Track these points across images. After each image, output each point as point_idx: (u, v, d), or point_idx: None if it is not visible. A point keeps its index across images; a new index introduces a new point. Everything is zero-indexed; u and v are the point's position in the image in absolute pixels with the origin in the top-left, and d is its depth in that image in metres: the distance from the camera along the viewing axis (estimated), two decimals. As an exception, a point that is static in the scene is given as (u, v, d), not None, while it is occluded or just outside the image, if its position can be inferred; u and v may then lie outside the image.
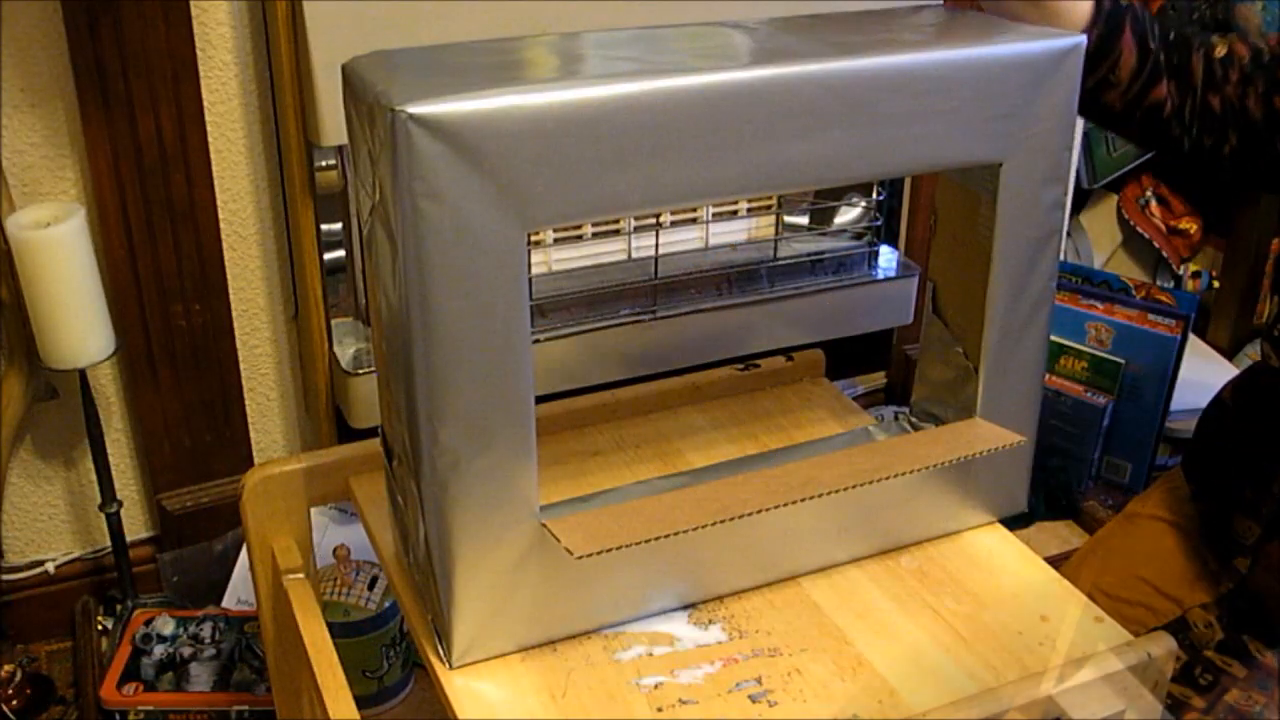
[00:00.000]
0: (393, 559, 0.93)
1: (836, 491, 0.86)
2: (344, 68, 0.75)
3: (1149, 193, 2.28)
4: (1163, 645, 0.83)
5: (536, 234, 1.51)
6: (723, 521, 0.82)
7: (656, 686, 0.81)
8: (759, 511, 0.83)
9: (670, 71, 0.72)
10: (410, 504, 0.81)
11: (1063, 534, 1.80)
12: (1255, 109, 0.96)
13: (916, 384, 0.99)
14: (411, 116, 0.66)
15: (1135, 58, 0.95)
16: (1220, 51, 0.97)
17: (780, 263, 1.63)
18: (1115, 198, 2.30)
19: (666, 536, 0.80)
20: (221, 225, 1.48)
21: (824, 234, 1.72)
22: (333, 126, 1.32)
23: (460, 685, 0.81)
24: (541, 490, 0.80)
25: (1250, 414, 1.11)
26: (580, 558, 0.77)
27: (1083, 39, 0.83)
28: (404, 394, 0.75)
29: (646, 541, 0.80)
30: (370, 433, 1.00)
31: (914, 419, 1.00)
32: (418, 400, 0.73)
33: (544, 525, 0.79)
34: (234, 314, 1.53)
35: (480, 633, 0.81)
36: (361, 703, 0.87)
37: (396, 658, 1.45)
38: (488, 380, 0.74)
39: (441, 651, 0.82)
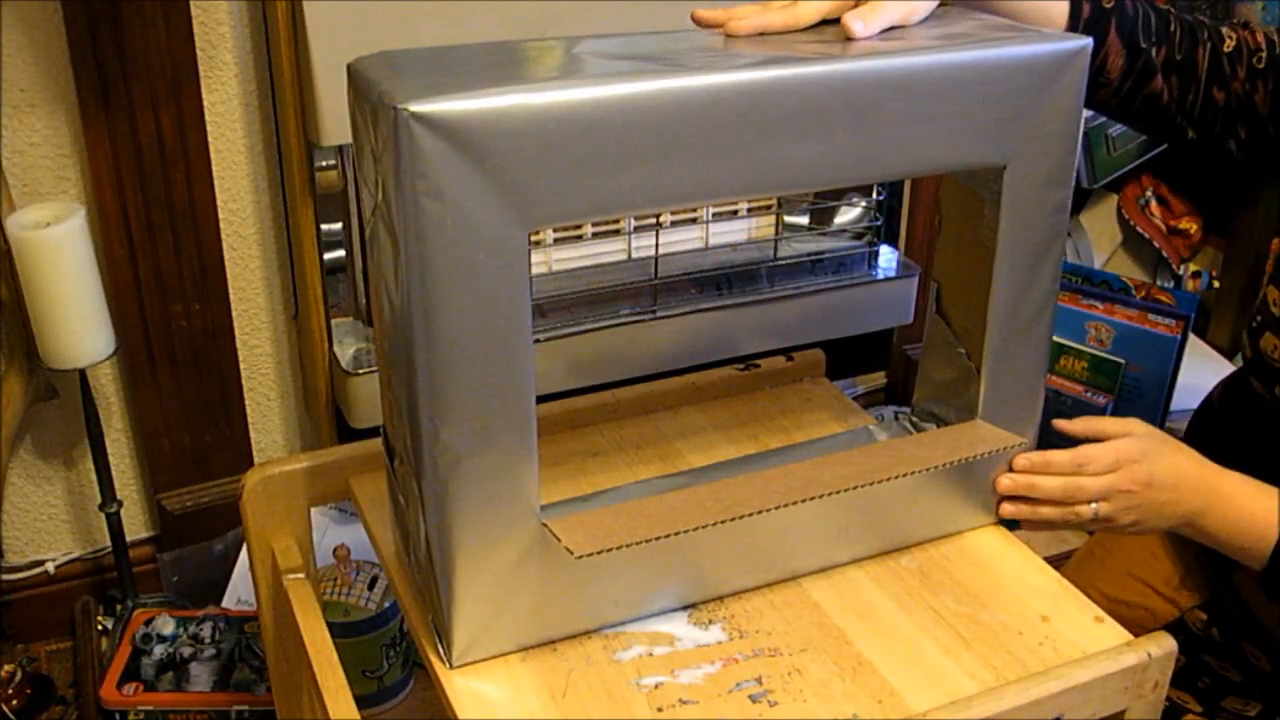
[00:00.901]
0: (393, 559, 0.93)
1: (837, 492, 0.86)
2: (349, 67, 0.75)
3: (1149, 193, 2.28)
4: (1163, 645, 0.83)
5: (537, 234, 1.51)
6: (723, 522, 0.82)
7: (657, 686, 0.81)
8: (759, 512, 0.83)
9: (672, 72, 0.72)
10: (411, 503, 0.81)
11: (1063, 534, 1.80)
12: (1263, 104, 0.96)
13: (919, 384, 0.99)
14: (414, 115, 0.66)
15: (1124, 59, 0.95)
16: (1229, 46, 0.96)
17: (780, 263, 1.63)
18: (1115, 198, 2.30)
19: (667, 536, 0.80)
20: (221, 225, 1.48)
21: (824, 234, 1.72)
22: (333, 126, 1.32)
23: (460, 685, 0.81)
24: (542, 490, 0.80)
25: (1235, 416, 1.11)
26: (580, 557, 0.77)
27: (1088, 42, 0.82)
28: (405, 392, 0.75)
29: (647, 541, 0.80)
30: (370, 433, 1.00)
31: (915, 419, 1.00)
32: (419, 398, 0.73)
33: (544, 525, 0.79)
34: (234, 314, 1.53)
35: (481, 632, 0.81)
36: (361, 703, 0.87)
37: (396, 658, 1.46)
38: (489, 379, 0.74)
39: (441, 651, 0.82)
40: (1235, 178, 2.17)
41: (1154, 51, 0.95)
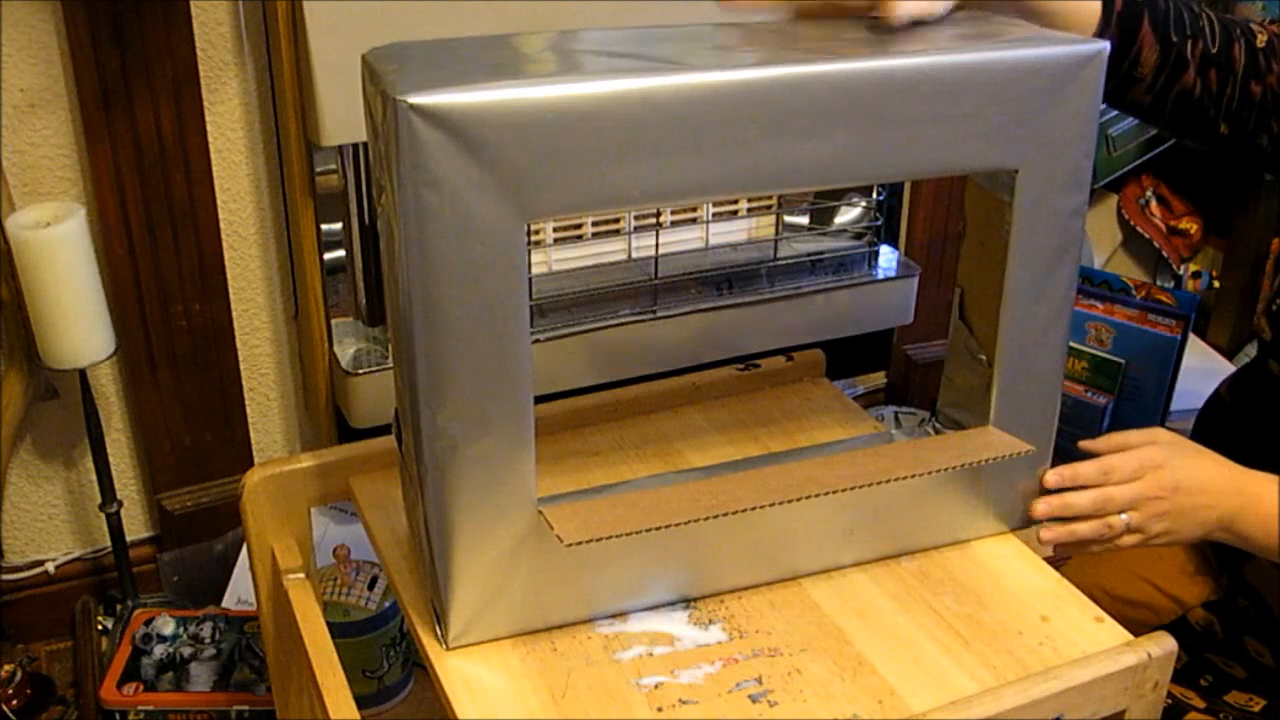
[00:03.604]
0: (391, 549, 0.93)
1: (835, 492, 0.86)
2: (363, 58, 0.77)
3: (1149, 193, 2.28)
4: (1163, 645, 0.83)
5: (537, 234, 1.51)
6: (718, 516, 0.82)
7: (656, 686, 0.81)
8: (754, 508, 0.83)
9: (670, 69, 0.72)
10: (413, 486, 0.82)
11: (1063, 534, 1.79)
12: None
13: (942, 390, 0.99)
14: (412, 106, 0.67)
15: (1157, 53, 0.94)
16: (1261, 41, 0.96)
17: (780, 263, 1.63)
18: (1115, 198, 2.30)
19: (661, 529, 0.80)
20: (221, 225, 1.48)
21: (824, 234, 1.72)
22: (333, 126, 1.32)
23: (454, 668, 0.81)
24: (541, 489, 0.80)
25: (1248, 411, 1.11)
26: (570, 545, 0.78)
27: (1105, 45, 0.82)
28: (406, 378, 0.77)
29: (640, 532, 0.80)
30: (370, 432, 1.00)
31: (937, 424, 1.00)
32: (418, 384, 0.74)
33: (540, 512, 0.80)
34: (234, 314, 1.53)
35: (477, 615, 0.82)
36: (361, 703, 0.87)
37: (396, 658, 1.46)
38: (485, 368, 0.74)
39: (438, 632, 0.83)
40: (1235, 178, 2.17)
41: (1187, 46, 0.95)
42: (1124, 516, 0.90)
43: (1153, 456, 0.91)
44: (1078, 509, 0.91)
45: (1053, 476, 0.92)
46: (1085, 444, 0.94)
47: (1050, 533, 0.92)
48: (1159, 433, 0.94)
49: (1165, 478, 0.90)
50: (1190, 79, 0.95)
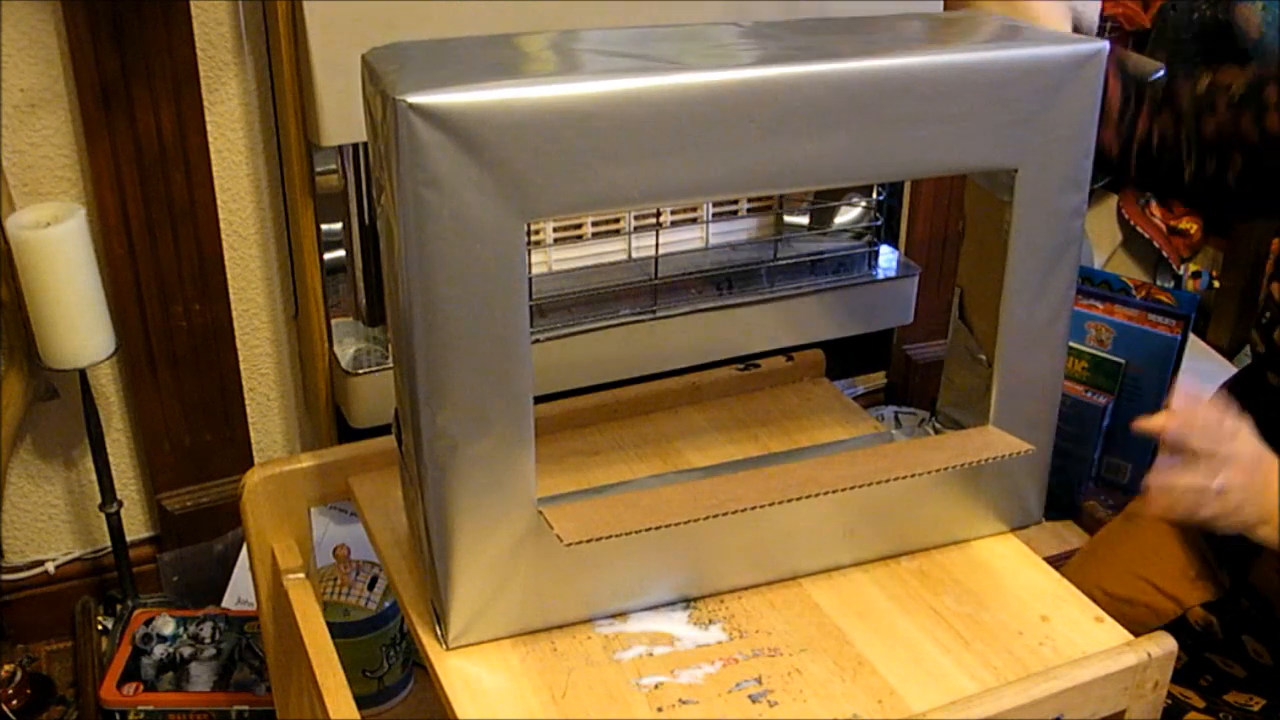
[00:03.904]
0: (391, 549, 0.93)
1: (835, 492, 0.86)
2: (363, 58, 0.77)
3: (1149, 192, 2.27)
4: (1163, 645, 0.83)
5: (537, 234, 1.51)
6: (717, 516, 0.82)
7: (656, 686, 0.81)
8: (754, 508, 0.83)
9: (670, 69, 0.72)
10: (413, 486, 0.82)
11: (1063, 534, 1.80)
12: (1251, 132, 0.96)
13: (942, 389, 0.99)
14: (411, 106, 0.67)
15: (1120, 87, 0.96)
16: (1202, 86, 0.98)
17: (780, 263, 1.63)
18: (1115, 198, 2.30)
19: (660, 528, 0.81)
20: (221, 225, 1.48)
21: (824, 234, 1.72)
22: (333, 126, 1.32)
23: (454, 668, 0.81)
24: (541, 489, 0.80)
25: (1247, 413, 1.11)
26: (570, 545, 0.78)
27: (1104, 45, 0.82)
28: (406, 378, 0.77)
29: (640, 532, 0.80)
30: (370, 432, 1.00)
31: (937, 424, 1.00)
32: (418, 384, 0.74)
33: (540, 512, 0.80)
34: (234, 314, 1.53)
35: (477, 615, 0.82)
36: (361, 703, 0.87)
37: (396, 658, 1.46)
38: (485, 368, 0.75)
39: (439, 632, 0.83)
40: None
41: (1141, 87, 0.97)
42: (1219, 480, 0.86)
43: (1239, 427, 0.88)
44: (1195, 445, 0.87)
45: (1180, 399, 0.88)
46: (1143, 423, 0.90)
47: (1157, 479, 0.87)
48: (1224, 410, 0.91)
49: (1253, 449, 0.88)
50: (1146, 123, 0.97)
